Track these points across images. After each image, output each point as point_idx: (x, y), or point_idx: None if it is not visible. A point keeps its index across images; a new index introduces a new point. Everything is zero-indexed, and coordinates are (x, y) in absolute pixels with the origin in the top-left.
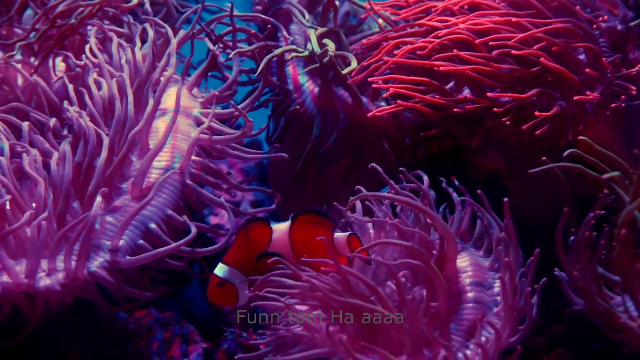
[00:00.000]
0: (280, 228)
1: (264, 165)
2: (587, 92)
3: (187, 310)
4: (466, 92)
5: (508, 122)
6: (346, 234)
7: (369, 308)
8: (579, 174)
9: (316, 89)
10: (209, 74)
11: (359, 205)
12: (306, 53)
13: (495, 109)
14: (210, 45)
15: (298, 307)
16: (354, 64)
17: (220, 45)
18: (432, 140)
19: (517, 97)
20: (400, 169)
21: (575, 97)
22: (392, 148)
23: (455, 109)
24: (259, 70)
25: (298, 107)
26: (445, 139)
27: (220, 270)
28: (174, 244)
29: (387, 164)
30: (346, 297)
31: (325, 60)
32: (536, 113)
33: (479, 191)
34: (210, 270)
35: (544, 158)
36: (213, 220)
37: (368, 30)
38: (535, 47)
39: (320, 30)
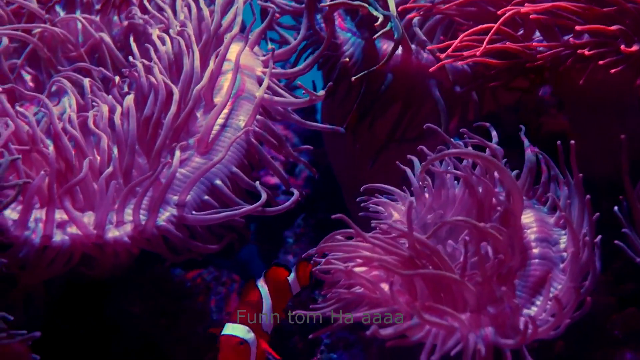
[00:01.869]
0: (261, 284)
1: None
2: None
3: (243, 272)
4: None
5: (588, 53)
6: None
7: (435, 275)
8: None
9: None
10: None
11: (416, 162)
12: (380, 17)
13: (572, 40)
14: (268, 4)
15: (358, 269)
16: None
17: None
18: (488, 90)
19: (599, 29)
20: (461, 130)
21: None
22: (443, 96)
23: (530, 56)
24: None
25: (347, 59)
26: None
27: (237, 330)
28: (245, 208)
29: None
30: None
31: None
32: (622, 48)
33: (558, 142)
34: (264, 230)
35: None
36: (270, 180)
37: None
38: None
39: None
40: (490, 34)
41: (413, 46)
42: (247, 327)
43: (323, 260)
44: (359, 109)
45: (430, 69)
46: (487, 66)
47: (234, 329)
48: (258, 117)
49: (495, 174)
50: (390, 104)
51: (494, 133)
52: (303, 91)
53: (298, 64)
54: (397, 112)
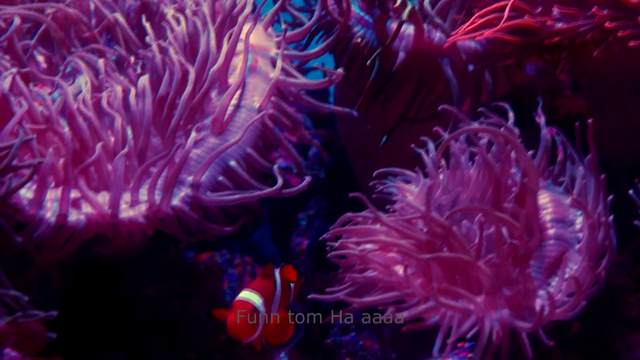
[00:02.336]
0: (277, 273)
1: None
2: None
3: (255, 254)
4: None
5: (609, 25)
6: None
7: (452, 258)
8: None
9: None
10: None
11: (429, 143)
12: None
13: (595, 10)
14: None
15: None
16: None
17: None
18: (502, 71)
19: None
20: (479, 110)
21: None
22: (456, 76)
23: (548, 32)
24: None
25: (359, 40)
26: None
27: (253, 297)
28: (263, 191)
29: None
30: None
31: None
32: None
33: (577, 123)
34: (277, 213)
35: None
36: (282, 162)
37: None
38: None
39: None
40: (507, 8)
41: (425, 25)
42: (262, 299)
43: (337, 243)
44: (371, 89)
45: (444, 46)
46: (503, 43)
47: (250, 296)
48: (272, 98)
49: (512, 153)
50: (403, 84)
51: (510, 113)
52: (322, 72)
53: (309, 46)
54: (410, 92)
